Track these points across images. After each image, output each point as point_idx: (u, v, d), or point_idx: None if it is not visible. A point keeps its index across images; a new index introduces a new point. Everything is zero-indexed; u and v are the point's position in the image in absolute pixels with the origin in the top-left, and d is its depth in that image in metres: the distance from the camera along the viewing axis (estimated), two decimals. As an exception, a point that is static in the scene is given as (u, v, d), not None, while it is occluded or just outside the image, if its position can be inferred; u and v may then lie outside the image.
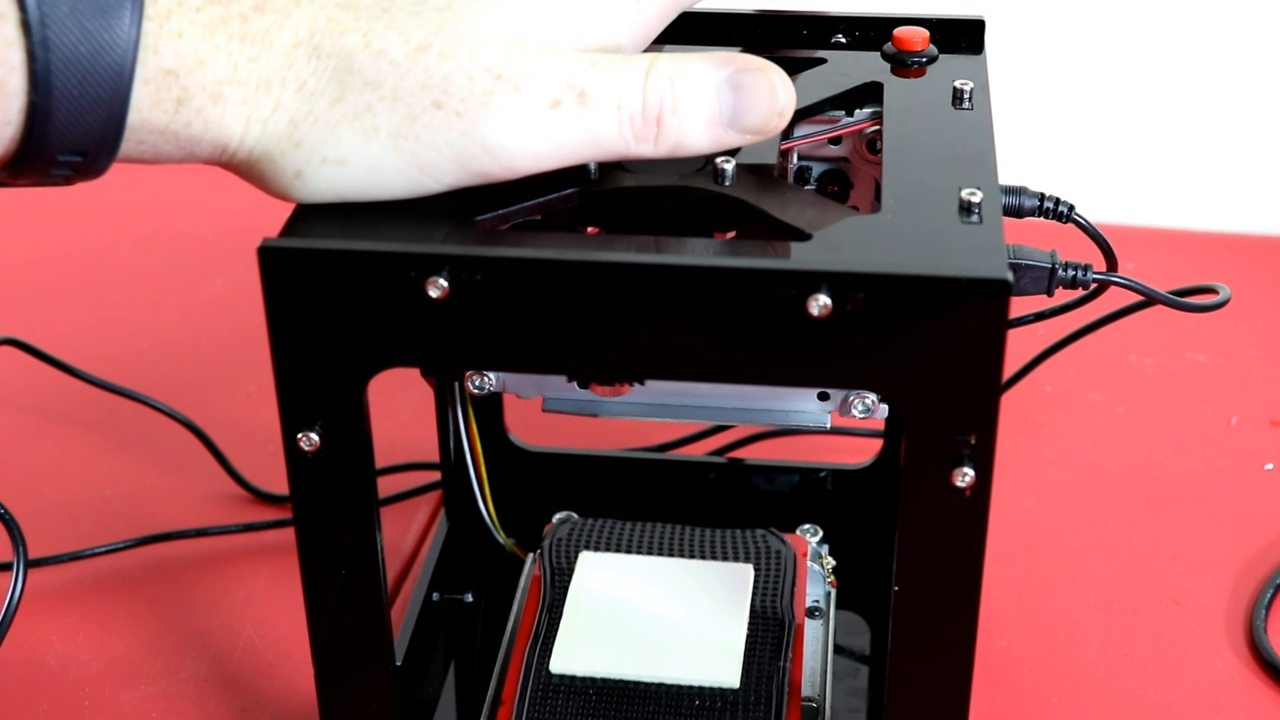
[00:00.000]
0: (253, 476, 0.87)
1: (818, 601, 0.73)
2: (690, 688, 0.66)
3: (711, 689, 0.66)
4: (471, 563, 0.79)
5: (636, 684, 0.66)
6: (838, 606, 0.74)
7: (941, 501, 0.55)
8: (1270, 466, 0.88)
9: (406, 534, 0.84)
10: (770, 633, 0.68)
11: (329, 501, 0.58)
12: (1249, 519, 0.84)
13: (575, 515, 0.76)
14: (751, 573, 0.71)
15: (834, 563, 0.75)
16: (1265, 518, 0.84)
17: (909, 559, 0.56)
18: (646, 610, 0.69)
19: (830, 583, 0.74)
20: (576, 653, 0.67)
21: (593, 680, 0.66)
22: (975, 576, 0.56)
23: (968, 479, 0.54)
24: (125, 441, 0.91)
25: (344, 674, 0.62)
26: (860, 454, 0.84)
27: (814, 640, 0.70)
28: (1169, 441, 0.90)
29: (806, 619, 0.71)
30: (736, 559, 0.72)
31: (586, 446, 0.85)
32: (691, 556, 0.73)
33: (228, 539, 0.83)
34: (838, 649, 0.73)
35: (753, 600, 0.70)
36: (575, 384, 0.63)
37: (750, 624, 0.68)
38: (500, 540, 0.77)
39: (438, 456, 0.79)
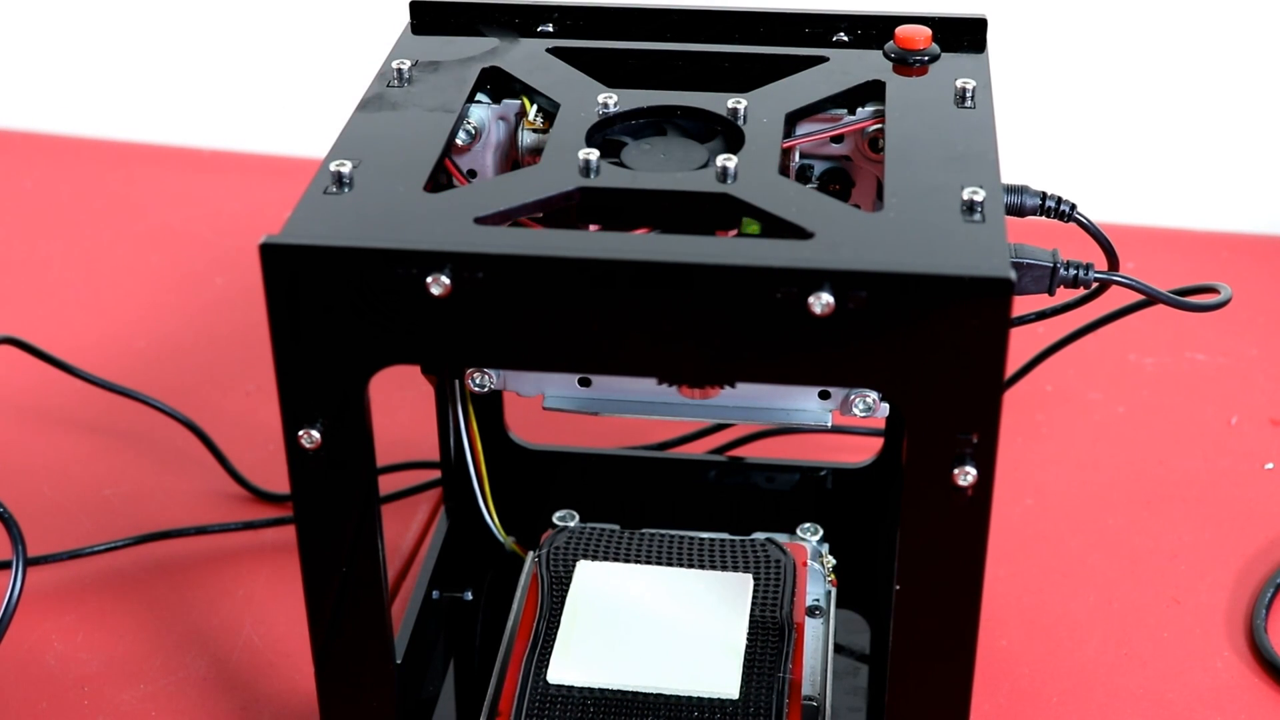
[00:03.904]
0: (252, 475, 0.87)
1: (818, 601, 0.72)
2: (690, 698, 0.65)
3: (711, 699, 0.65)
4: (471, 561, 0.79)
5: (635, 694, 0.65)
6: (838, 606, 0.74)
7: (943, 500, 0.55)
8: (1270, 466, 0.88)
9: (406, 532, 0.84)
10: (770, 642, 0.68)
11: (330, 499, 0.58)
12: (1249, 519, 0.84)
13: (575, 514, 0.76)
14: (751, 582, 0.71)
15: (834, 562, 0.75)
16: (1265, 518, 0.84)
17: (910, 558, 0.56)
18: (645, 620, 0.68)
19: (830, 582, 0.74)
20: (574, 663, 0.66)
21: (591, 691, 0.65)
22: (976, 576, 0.56)
23: (969, 478, 0.54)
24: (125, 441, 0.91)
25: (344, 673, 0.62)
26: (861, 453, 0.83)
27: (814, 639, 0.70)
28: (1169, 441, 0.90)
29: (807, 618, 0.71)
30: (735, 568, 0.72)
31: (586, 445, 0.85)
32: (690, 565, 0.72)
33: (227, 537, 0.83)
34: (838, 648, 0.73)
35: (752, 609, 0.69)
36: (577, 382, 0.63)
37: (750, 633, 0.68)
38: (500, 539, 0.77)
39: (438, 455, 0.79)
